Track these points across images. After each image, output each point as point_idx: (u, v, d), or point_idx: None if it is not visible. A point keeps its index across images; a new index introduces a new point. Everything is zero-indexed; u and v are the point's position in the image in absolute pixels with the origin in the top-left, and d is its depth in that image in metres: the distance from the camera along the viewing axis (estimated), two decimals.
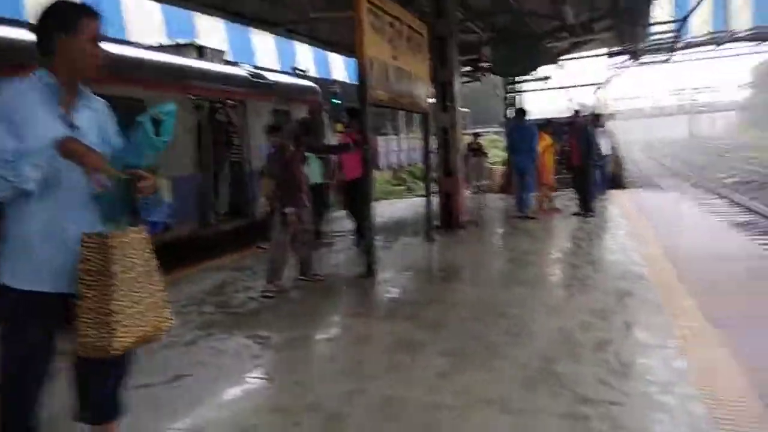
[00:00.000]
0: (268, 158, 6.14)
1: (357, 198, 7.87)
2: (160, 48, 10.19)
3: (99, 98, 2.15)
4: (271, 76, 11.32)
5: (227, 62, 11.24)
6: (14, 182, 1.79)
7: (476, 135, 16.85)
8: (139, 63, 8.05)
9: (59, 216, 1.93)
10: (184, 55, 9.51)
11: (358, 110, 7.73)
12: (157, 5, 12.47)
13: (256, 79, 10.44)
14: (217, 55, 10.62)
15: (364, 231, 7.45)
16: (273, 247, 5.78)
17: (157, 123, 1.93)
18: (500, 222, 10.26)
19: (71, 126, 1.97)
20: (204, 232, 8.70)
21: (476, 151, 15.18)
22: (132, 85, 7.33)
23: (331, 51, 14.55)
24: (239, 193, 9.28)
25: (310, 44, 14.31)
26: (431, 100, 9.17)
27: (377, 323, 4.57)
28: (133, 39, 14.02)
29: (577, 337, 4.01)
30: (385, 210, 13.38)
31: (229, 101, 9.72)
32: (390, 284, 5.85)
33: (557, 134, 11.48)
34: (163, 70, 8.42)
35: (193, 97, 8.53)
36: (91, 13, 2.00)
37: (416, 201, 14.24)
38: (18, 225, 1.93)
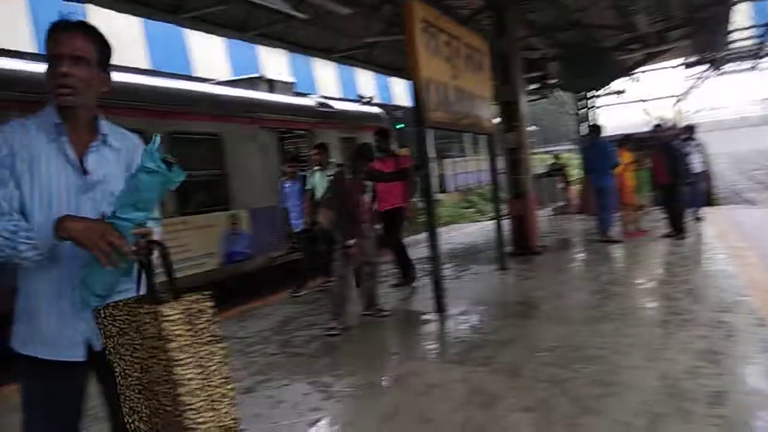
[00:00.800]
0: (327, 188, 5.89)
1: (395, 231, 7.02)
2: (232, 82, 10.52)
3: (128, 133, 1.84)
4: (337, 105, 11.45)
5: (296, 93, 11.60)
6: (9, 255, 1.55)
7: (557, 156, 16.34)
8: (216, 99, 8.48)
9: (65, 284, 1.67)
10: (256, 89, 9.85)
11: (386, 132, 7.18)
12: (219, 40, 12.82)
13: (323, 109, 10.65)
14: (287, 86, 10.96)
15: (406, 268, 7.08)
16: (336, 282, 5.48)
17: (168, 164, 1.60)
18: (580, 246, 9.57)
19: (83, 171, 1.69)
20: (279, 261, 8.90)
21: (559, 171, 14.76)
22: (210, 121, 7.83)
23: (391, 75, 14.39)
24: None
25: (369, 70, 14.26)
26: (496, 120, 8.73)
27: (448, 369, 4.11)
28: (198, 74, 14.56)
29: (685, 387, 3.41)
30: (455, 235, 12.95)
31: (298, 131, 10.17)
32: (461, 321, 5.39)
33: (638, 150, 10.73)
34: (239, 104, 8.76)
35: (267, 129, 8.93)
36: (53, 27, 1.66)
37: (488, 224, 13.71)
38: (24, 287, 1.69)
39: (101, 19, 12.24)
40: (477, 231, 12.95)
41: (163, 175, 1.59)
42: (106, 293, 1.65)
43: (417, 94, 5.50)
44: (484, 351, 4.40)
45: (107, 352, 1.63)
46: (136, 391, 1.60)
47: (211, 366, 1.58)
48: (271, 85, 10.29)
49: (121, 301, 1.61)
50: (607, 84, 15.27)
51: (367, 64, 13.44)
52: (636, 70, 15.42)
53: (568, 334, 4.67)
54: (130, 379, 1.61)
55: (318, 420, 3.38)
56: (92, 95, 1.71)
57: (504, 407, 3.33)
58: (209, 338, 1.59)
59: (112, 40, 1.76)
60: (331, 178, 5.79)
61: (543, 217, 10.95)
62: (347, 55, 12.37)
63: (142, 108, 6.93)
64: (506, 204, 9.01)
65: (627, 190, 9.59)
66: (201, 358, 1.56)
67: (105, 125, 1.77)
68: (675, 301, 5.38)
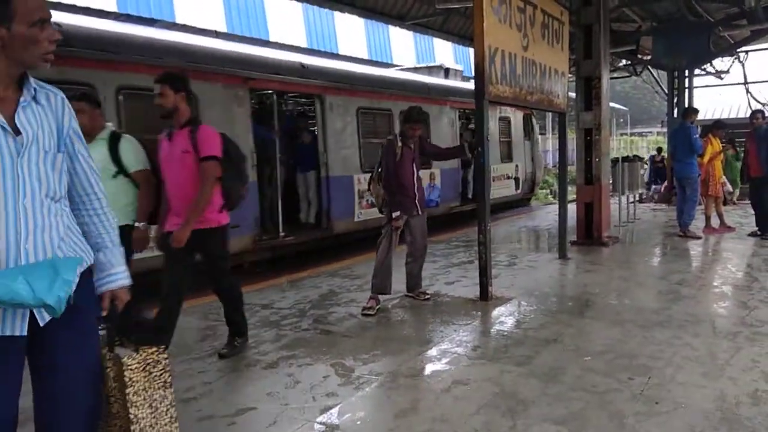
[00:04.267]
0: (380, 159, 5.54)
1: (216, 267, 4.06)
2: (414, 69, 13.44)
3: (53, 88, 1.71)
4: None
5: (464, 78, 14.11)
6: None
7: (659, 150, 15.95)
8: (426, 86, 11.22)
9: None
10: (434, 75, 12.49)
11: (176, 78, 3.86)
12: (296, 6, 12.85)
13: None
14: (458, 73, 13.46)
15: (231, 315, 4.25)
16: (378, 258, 5.26)
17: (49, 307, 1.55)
18: (654, 240, 8.84)
19: (14, 132, 1.56)
20: (455, 210, 12.11)
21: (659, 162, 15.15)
22: (422, 102, 9.72)
23: (468, 46, 13.84)
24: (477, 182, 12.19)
25: (446, 39, 13.82)
26: (572, 95, 8.13)
27: (480, 365, 3.83)
28: (275, 39, 14.65)
29: (744, 415, 2.99)
30: (520, 218, 12.41)
31: (470, 110, 12.19)
32: (505, 312, 5.07)
33: (732, 137, 9.73)
34: (438, 90, 11.48)
35: (452, 108, 11.84)
36: None
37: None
38: None
39: None
40: (546, 215, 12.36)
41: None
42: None
43: (479, 64, 5.11)
44: (524, 349, 4.09)
45: None
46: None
47: (161, 408, 1.93)
48: (447, 72, 12.78)
49: None
50: (705, 63, 13.99)
51: (444, 33, 12.95)
52: (740, 49, 13.97)
53: (621, 337, 4.26)
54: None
55: (330, 407, 3.22)
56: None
57: (531, 416, 3.04)
58: (162, 384, 1.93)
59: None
60: (383, 145, 5.48)
61: (619, 205, 10.21)
62: (422, 23, 11.95)
63: (389, 93, 10.09)
64: (576, 189, 8.46)
65: (713, 181, 8.73)
66: (154, 400, 1.90)
67: (33, 81, 1.65)
68: (750, 311, 4.81)
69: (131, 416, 1.83)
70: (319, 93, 8.60)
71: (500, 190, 13.24)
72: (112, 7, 11.92)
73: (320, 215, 8.94)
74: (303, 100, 10.03)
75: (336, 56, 15.28)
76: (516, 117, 14.06)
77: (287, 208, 8.65)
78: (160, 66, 5.98)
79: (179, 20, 12.46)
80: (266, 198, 8.21)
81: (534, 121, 15.12)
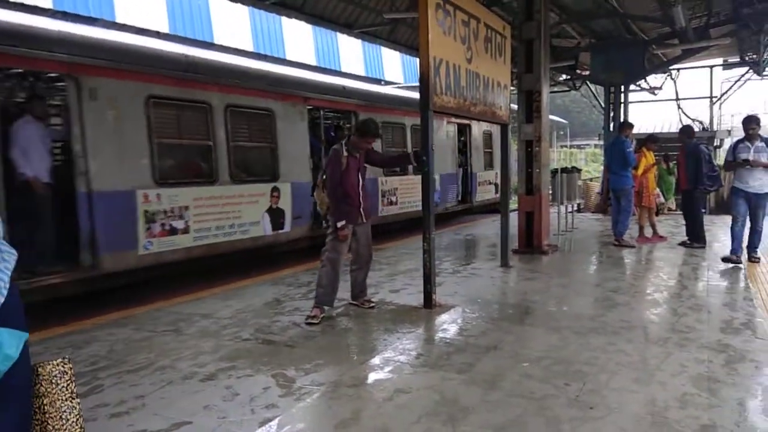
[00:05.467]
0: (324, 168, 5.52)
1: None
2: (408, 87, 15.37)
3: None
4: None
5: None
6: None
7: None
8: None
9: None
10: None
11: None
12: (243, 10, 12.60)
13: None
14: None
15: None
16: (323, 267, 5.21)
17: None
18: (591, 248, 9.15)
19: None
20: (450, 210, 13.99)
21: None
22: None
23: (415, 56, 14.03)
24: (465, 187, 14.79)
25: (393, 49, 13.91)
26: (514, 107, 8.33)
27: (422, 373, 3.85)
28: (219, 41, 14.42)
29: (672, 417, 3.12)
30: (468, 226, 12.61)
31: (461, 122, 14.04)
32: (448, 320, 5.11)
33: (665, 151, 10.22)
34: None
35: (452, 124, 13.56)
36: None
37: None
38: None
39: None
40: (491, 223, 12.60)
41: None
42: None
43: (424, 74, 5.16)
44: (465, 356, 4.14)
45: None
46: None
47: (71, 418, 1.92)
48: None
49: None
50: (640, 79, 14.66)
51: (391, 42, 13.07)
52: (672, 67, 14.71)
53: (558, 344, 4.37)
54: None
55: (270, 420, 3.15)
56: None
57: (471, 423, 3.07)
58: (70, 395, 1.93)
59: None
60: (328, 154, 5.44)
61: (558, 214, 10.52)
62: (370, 32, 12.02)
63: (403, 110, 11.88)
64: (517, 198, 8.67)
65: (647, 193, 9.13)
66: (63, 411, 1.90)
67: None
68: (679, 317, 5.03)
69: (50, 428, 1.86)
70: (354, 110, 10.56)
71: (483, 194, 15.38)
72: (47, 4, 11.39)
73: None
74: (339, 115, 11.80)
75: (361, 78, 16.27)
76: (496, 131, 15.48)
77: None
78: (256, 89, 8.30)
79: (120, 20, 12.05)
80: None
81: (510, 134, 16.61)
